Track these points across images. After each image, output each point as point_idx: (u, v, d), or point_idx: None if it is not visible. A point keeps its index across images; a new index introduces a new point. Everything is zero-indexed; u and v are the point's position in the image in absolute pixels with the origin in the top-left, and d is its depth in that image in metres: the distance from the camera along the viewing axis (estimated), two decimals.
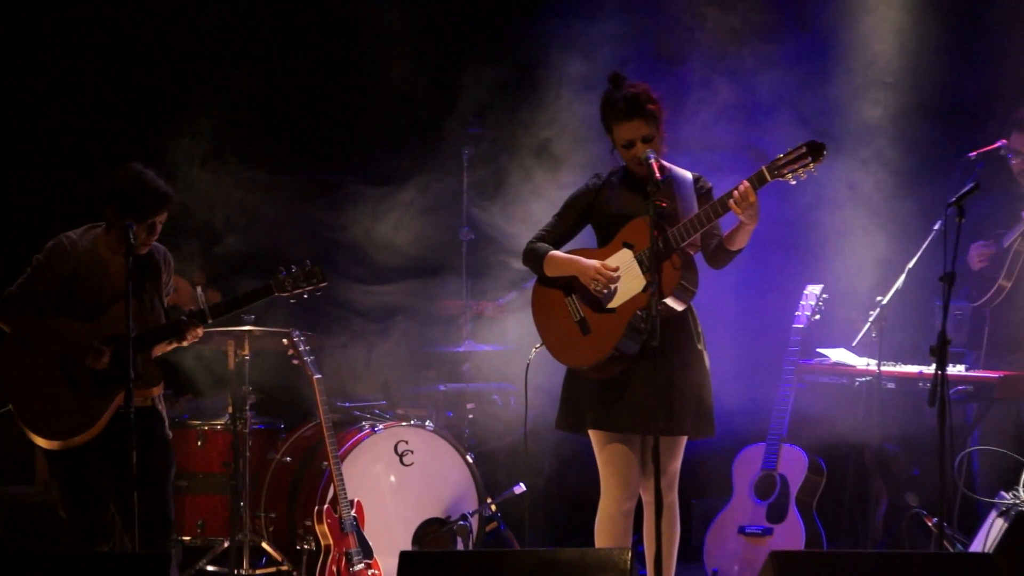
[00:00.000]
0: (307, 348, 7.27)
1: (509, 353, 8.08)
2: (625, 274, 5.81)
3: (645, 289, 5.58)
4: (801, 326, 7.44)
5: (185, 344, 6.09)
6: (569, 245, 6.09)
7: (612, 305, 5.81)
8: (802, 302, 7.48)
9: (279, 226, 8.31)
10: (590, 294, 5.83)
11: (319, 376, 7.23)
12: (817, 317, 7.46)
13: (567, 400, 6.02)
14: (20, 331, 6.03)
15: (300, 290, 6.25)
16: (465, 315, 8.32)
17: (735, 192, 5.56)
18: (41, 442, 6.03)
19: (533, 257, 5.99)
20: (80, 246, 6.02)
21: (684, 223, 5.68)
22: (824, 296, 7.48)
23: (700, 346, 5.95)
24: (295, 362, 7.27)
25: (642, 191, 5.65)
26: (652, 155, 5.70)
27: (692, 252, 5.80)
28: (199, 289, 6.96)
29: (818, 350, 7.64)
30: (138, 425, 5.71)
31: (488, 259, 8.32)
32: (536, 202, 7.80)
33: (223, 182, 8.02)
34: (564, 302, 5.94)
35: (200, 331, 6.06)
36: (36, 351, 6.01)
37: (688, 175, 5.94)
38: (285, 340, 7.25)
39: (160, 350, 6.11)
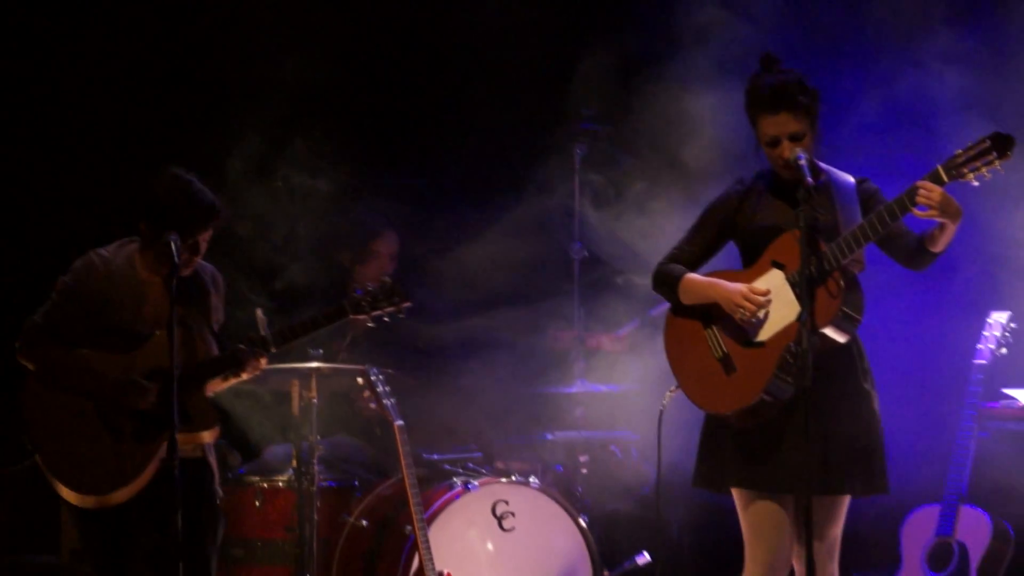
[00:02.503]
0: (387, 389, 7.07)
1: (631, 395, 7.84)
2: (776, 300, 5.53)
3: (799, 317, 5.31)
4: (984, 362, 7.20)
5: (245, 378, 5.94)
6: (709, 266, 5.85)
7: (761, 338, 5.54)
8: (985, 332, 7.24)
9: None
10: (734, 325, 5.57)
11: (401, 423, 7.00)
12: (1004, 351, 7.23)
13: (707, 452, 5.74)
14: (47, 367, 5.84)
15: (379, 311, 6.13)
16: (577, 349, 8.09)
17: (918, 195, 5.32)
18: (73, 498, 5.82)
19: (665, 281, 5.76)
20: (114, 265, 5.89)
21: (844, 236, 5.41)
22: (1012, 325, 7.25)
23: (867, 385, 5.63)
24: (373, 406, 7.13)
25: (793, 199, 5.43)
26: (803, 155, 5.42)
27: (855, 271, 5.50)
28: (259, 312, 6.45)
29: (1004, 391, 7.37)
30: (186, 479, 5.58)
31: (605, 281, 8.20)
32: (665, 212, 7.63)
33: (280, 190, 8.02)
34: (703, 335, 5.67)
35: (263, 362, 5.93)
36: (66, 390, 5.83)
37: (850, 179, 5.66)
38: (360, 379, 7.09)
39: (215, 387, 5.94)
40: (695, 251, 5.80)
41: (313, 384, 7.26)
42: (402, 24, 8.48)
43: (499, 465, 7.84)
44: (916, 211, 5.32)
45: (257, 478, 7.54)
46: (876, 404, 5.66)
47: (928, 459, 7.28)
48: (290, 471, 7.41)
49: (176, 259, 5.60)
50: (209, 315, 5.99)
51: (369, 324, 6.18)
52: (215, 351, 5.94)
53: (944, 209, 5.33)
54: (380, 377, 7.06)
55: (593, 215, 8.11)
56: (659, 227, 7.44)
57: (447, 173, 8.57)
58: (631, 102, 7.98)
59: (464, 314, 8.06)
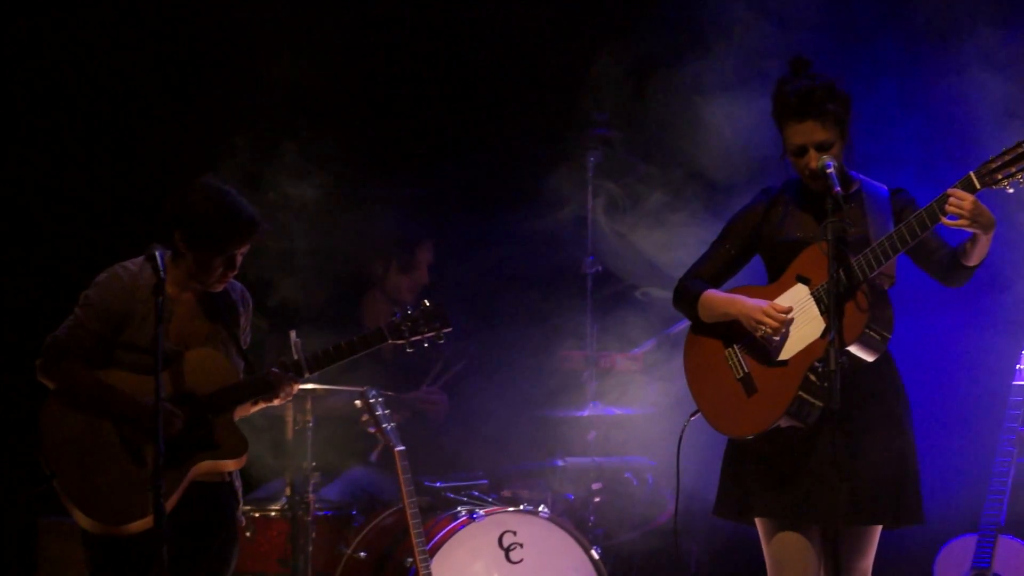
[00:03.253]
0: (386, 412, 6.97)
1: (647, 419, 7.78)
2: (800, 316, 5.51)
3: (824, 335, 5.35)
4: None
5: (276, 403, 5.94)
6: (734, 281, 5.84)
7: (783, 357, 5.52)
8: None
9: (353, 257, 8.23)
10: (756, 344, 5.57)
11: (402, 448, 6.89)
12: None
13: (729, 479, 5.73)
14: (68, 386, 5.79)
15: (419, 336, 6.09)
16: (590, 370, 8.03)
17: (948, 204, 5.28)
18: (90, 525, 5.75)
19: (685, 298, 5.77)
20: (140, 279, 5.83)
21: (872, 248, 5.40)
22: None
23: (900, 407, 5.63)
24: (371, 430, 6.96)
25: (821, 211, 5.42)
26: (831, 164, 5.40)
27: (885, 285, 5.50)
28: (293, 334, 6.40)
29: None
30: (209, 505, 5.73)
31: (620, 297, 8.11)
32: (685, 223, 7.63)
33: (277, 201, 7.83)
34: (723, 355, 5.67)
35: (296, 387, 5.92)
36: (87, 412, 5.78)
37: (883, 188, 5.65)
38: (358, 402, 6.94)
39: (244, 412, 5.92)
40: (718, 266, 5.80)
41: (308, 406, 7.20)
42: (404, 29, 8.51)
43: (506, 493, 7.78)
44: (946, 220, 5.29)
45: (249, 507, 7.40)
46: (910, 428, 5.63)
47: (965, 486, 7.21)
48: (283, 500, 7.31)
49: (161, 274, 5.53)
50: (238, 336, 5.96)
51: (408, 350, 6.15)
52: (242, 374, 5.94)
53: (975, 218, 5.29)
54: (379, 399, 6.98)
55: (607, 227, 8.08)
56: (678, 239, 7.49)
57: (451, 182, 8.48)
58: (647, 106, 7.96)
59: (469, 332, 7.89)
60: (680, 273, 5.89)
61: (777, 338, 5.52)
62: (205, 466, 5.68)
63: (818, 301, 5.49)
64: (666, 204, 7.80)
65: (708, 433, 5.71)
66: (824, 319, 5.42)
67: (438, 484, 7.58)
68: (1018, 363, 7.09)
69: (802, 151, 5.53)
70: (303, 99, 8.02)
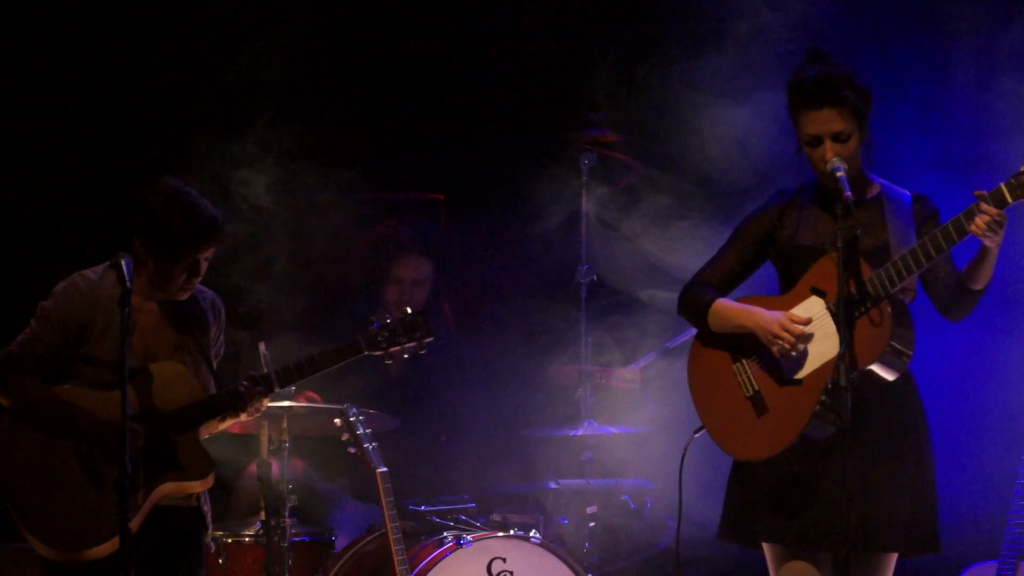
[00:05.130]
0: (368, 432, 6.87)
1: (645, 438, 7.72)
2: (816, 332, 5.48)
3: (835, 371, 5.29)
4: None
5: (244, 419, 5.93)
6: (744, 288, 5.80)
7: (798, 375, 5.49)
8: None
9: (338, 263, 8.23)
10: (768, 359, 5.53)
11: (384, 470, 6.82)
12: None
13: (734, 501, 5.67)
14: (23, 403, 5.78)
15: (399, 347, 6.07)
16: (585, 386, 7.87)
17: (977, 218, 5.24)
18: (48, 552, 5.73)
19: (693, 306, 5.73)
20: (100, 289, 5.81)
21: (894, 262, 5.35)
22: None
23: (919, 428, 5.57)
24: (351, 450, 6.88)
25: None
26: (840, 167, 5.36)
27: (907, 300, 5.46)
28: (262, 346, 6.42)
29: None
30: (175, 531, 5.73)
31: (617, 308, 8.04)
32: (688, 229, 7.63)
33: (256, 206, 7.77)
34: (732, 369, 5.63)
35: (265, 403, 5.92)
36: (43, 430, 5.77)
37: (905, 194, 5.61)
38: (338, 420, 6.86)
39: (211, 429, 5.90)
40: (726, 272, 5.76)
41: (284, 425, 7.02)
42: (389, 28, 8.49)
43: (495, 518, 7.65)
44: (975, 230, 5.27)
45: (221, 532, 7.27)
46: (929, 453, 5.61)
47: (985, 510, 7.21)
48: (258, 524, 7.11)
49: (127, 284, 5.48)
50: (207, 348, 5.95)
51: (388, 362, 6.13)
52: (213, 389, 5.92)
53: (999, 232, 5.31)
54: (360, 417, 6.87)
55: (602, 233, 8.01)
56: (681, 245, 7.49)
57: (436, 187, 8.56)
58: (644, 104, 7.95)
59: (456, 345, 8.07)
60: (683, 275, 5.84)
61: (794, 354, 5.47)
62: (169, 488, 5.64)
63: (834, 316, 5.42)
64: (666, 206, 7.81)
65: (710, 452, 5.68)
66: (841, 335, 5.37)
67: (423, 508, 7.49)
68: None
69: (817, 141, 5.47)
70: (283, 100, 8.04)
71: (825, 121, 5.45)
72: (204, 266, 5.84)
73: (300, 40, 8.09)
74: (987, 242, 5.32)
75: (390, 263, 8.03)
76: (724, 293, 5.73)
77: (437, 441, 8.06)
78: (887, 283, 5.37)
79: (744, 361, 5.60)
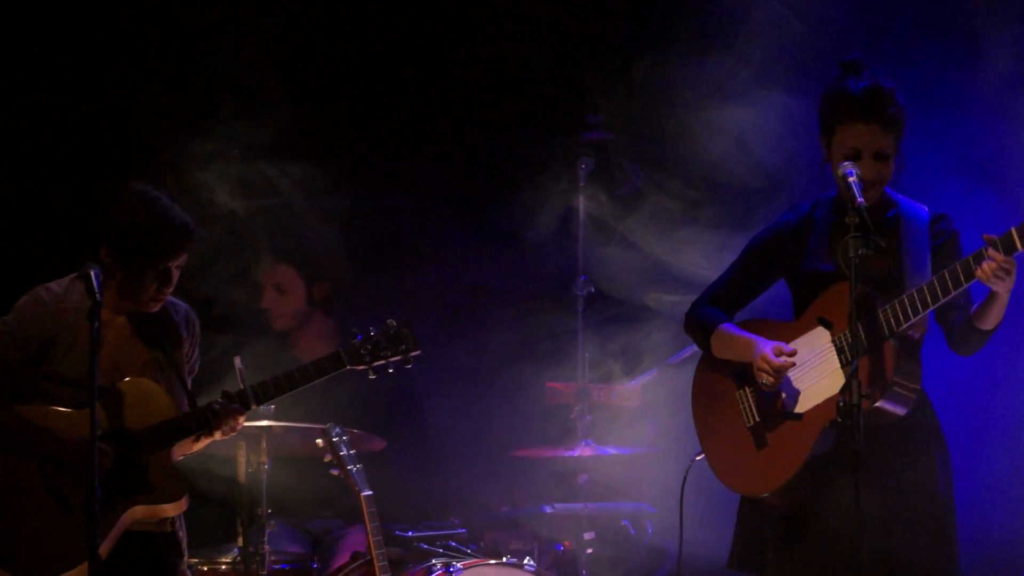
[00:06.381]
0: (352, 453, 6.79)
1: (646, 459, 7.67)
2: (818, 366, 5.46)
3: (843, 391, 5.22)
4: None
5: (218, 438, 5.88)
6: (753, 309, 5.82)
7: (798, 410, 5.49)
8: None
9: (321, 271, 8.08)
10: (769, 390, 5.61)
11: (369, 493, 6.70)
12: None
13: (745, 529, 5.66)
14: None
15: (382, 361, 6.02)
16: (582, 404, 7.75)
17: (984, 264, 5.21)
18: None
19: (698, 327, 5.77)
20: (66, 303, 5.78)
21: (902, 299, 5.32)
22: None
23: (937, 453, 5.56)
24: (334, 472, 6.80)
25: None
26: (852, 171, 5.33)
27: (916, 335, 5.43)
28: (237, 360, 6.23)
29: None
30: (147, 557, 5.69)
31: (615, 322, 7.93)
32: (694, 241, 7.56)
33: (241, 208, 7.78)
34: (734, 397, 5.64)
35: (241, 421, 5.88)
36: (6, 451, 5.73)
37: (923, 212, 5.59)
38: (320, 441, 6.78)
39: (184, 450, 5.85)
40: (735, 291, 5.76)
41: (263, 446, 6.97)
42: (381, 28, 8.40)
43: (487, 544, 7.52)
44: (980, 275, 5.25)
45: (197, 560, 7.17)
46: (948, 485, 5.56)
47: (1007, 539, 7.17)
48: (235, 550, 7.05)
49: (97, 296, 5.38)
50: (180, 364, 5.90)
51: (371, 377, 6.07)
52: (186, 407, 5.86)
53: (1006, 279, 5.28)
54: (344, 438, 6.75)
55: (601, 240, 7.94)
56: (684, 259, 7.42)
57: (427, 192, 8.45)
58: (644, 106, 7.83)
59: (445, 360, 7.94)
60: (687, 279, 6.07)
61: (775, 391, 5.47)
62: (140, 511, 5.58)
63: (840, 352, 5.40)
64: (669, 209, 7.75)
65: (714, 476, 5.69)
66: (845, 373, 5.31)
67: (410, 533, 7.37)
68: None
69: (856, 155, 5.42)
70: (269, 101, 7.94)
71: (870, 136, 5.42)
72: (176, 275, 5.77)
73: (287, 38, 8.02)
74: (995, 288, 5.26)
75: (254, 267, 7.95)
76: (733, 313, 5.70)
77: (425, 462, 7.97)
78: (892, 322, 5.33)
79: (747, 389, 5.57)
